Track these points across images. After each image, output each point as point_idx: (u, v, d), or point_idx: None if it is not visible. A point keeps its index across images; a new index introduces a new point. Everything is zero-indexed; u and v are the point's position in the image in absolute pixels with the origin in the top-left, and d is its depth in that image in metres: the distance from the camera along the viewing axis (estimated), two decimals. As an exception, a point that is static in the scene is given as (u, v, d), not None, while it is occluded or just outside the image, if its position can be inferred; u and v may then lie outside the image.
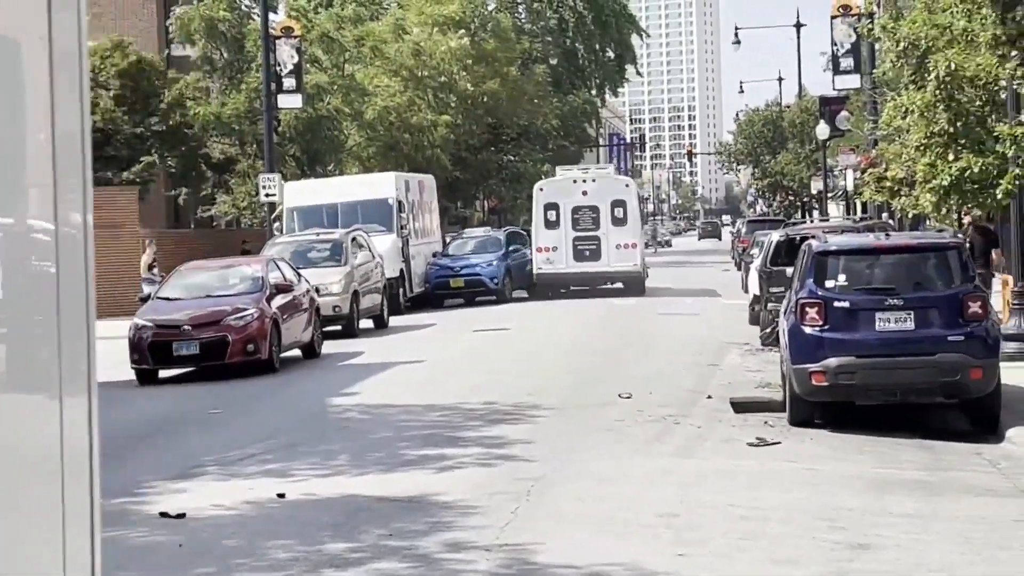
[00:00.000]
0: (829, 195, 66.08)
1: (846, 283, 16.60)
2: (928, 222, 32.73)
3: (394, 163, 51.64)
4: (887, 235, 17.74)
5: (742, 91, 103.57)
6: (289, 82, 43.41)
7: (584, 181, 43.79)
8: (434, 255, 43.22)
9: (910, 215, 31.36)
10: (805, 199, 75.59)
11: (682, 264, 68.91)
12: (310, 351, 26.63)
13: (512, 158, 71.40)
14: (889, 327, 16.18)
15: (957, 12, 24.73)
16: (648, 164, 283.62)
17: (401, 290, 39.78)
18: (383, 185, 40.84)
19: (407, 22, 57.55)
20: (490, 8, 69.42)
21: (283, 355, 25.15)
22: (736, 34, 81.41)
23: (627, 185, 45.58)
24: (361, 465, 14.59)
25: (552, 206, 43.08)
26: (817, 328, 16.42)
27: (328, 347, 27.97)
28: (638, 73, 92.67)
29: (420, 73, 53.94)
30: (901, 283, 16.49)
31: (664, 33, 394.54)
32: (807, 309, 16.57)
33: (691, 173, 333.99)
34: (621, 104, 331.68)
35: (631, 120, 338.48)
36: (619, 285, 43.58)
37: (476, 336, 30.38)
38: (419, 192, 43.63)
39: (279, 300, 24.97)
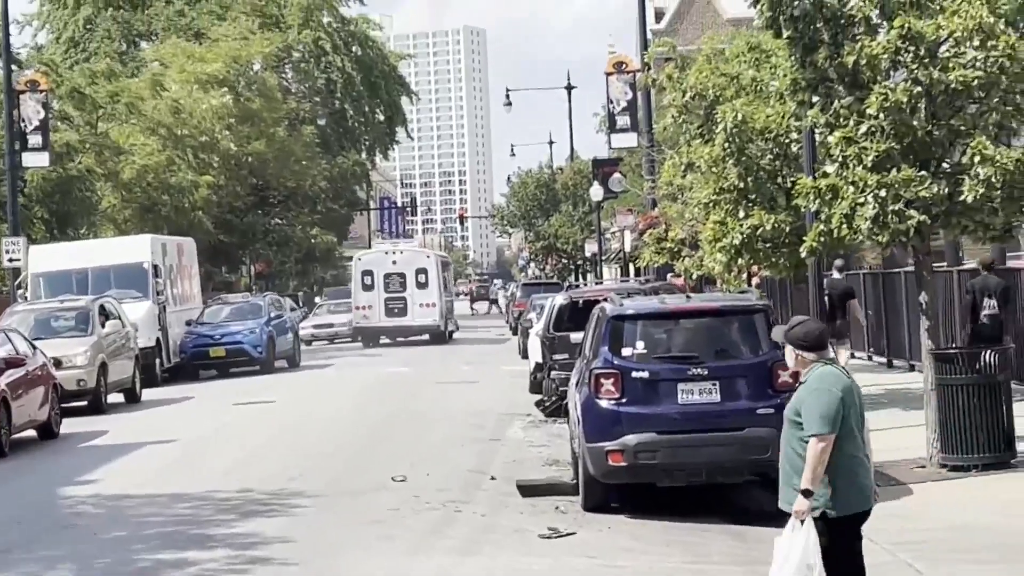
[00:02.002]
0: (604, 258, 65.31)
1: (644, 351, 14.88)
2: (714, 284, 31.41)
3: (152, 226, 49.00)
4: (688, 297, 16.14)
5: (513, 154, 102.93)
6: (35, 139, 40.46)
7: (394, 253, 55.12)
8: (188, 323, 40.61)
9: (694, 276, 29.97)
10: (579, 262, 74.69)
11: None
12: (47, 431, 23.90)
13: (280, 221, 69.26)
14: (693, 399, 14.56)
15: (745, 62, 23.60)
16: (420, 228, 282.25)
17: (157, 361, 37.25)
18: (138, 249, 38.53)
19: (167, 79, 54.89)
20: (256, 68, 67.17)
21: (15, 436, 22.48)
22: (507, 95, 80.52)
23: (428, 256, 56.69)
24: (85, 576, 12.22)
25: (368, 272, 53.17)
26: (613, 402, 14.69)
27: (71, 426, 25.32)
28: (408, 135, 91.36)
29: (179, 131, 51.38)
30: (704, 350, 14.87)
31: (434, 98, 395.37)
32: (602, 380, 14.81)
33: (463, 237, 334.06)
34: (392, 168, 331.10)
35: (403, 184, 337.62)
36: (426, 336, 52.85)
37: (237, 411, 28.05)
38: (178, 256, 41.38)
39: (9, 375, 22.26)
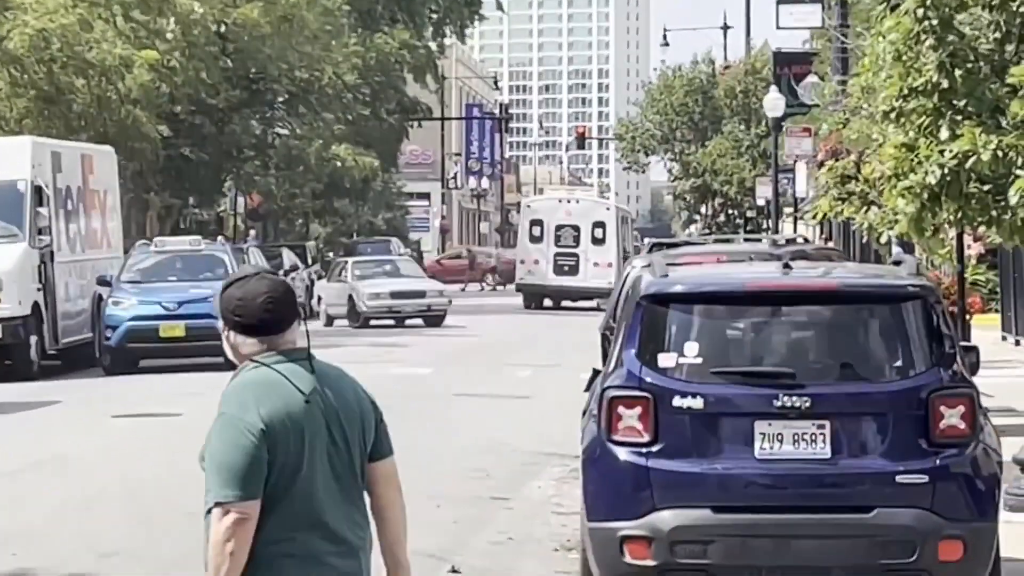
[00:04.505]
0: (792, 209, 63.47)
1: (699, 360, 13.23)
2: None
3: (63, 126, 47.68)
4: (786, 267, 13.96)
5: (666, 42, 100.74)
6: None
7: (568, 201, 70.14)
8: (103, 281, 39.08)
9: (882, 238, 28.02)
10: (749, 211, 72.88)
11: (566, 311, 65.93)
12: None
13: (283, 131, 68.06)
14: (782, 452, 13.01)
15: None
16: (536, 152, 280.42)
17: (33, 339, 35.87)
18: (12, 158, 37.43)
19: None
20: None
21: None
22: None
23: (608, 208, 70.71)
24: None
25: (537, 222, 67.18)
26: (638, 449, 13.11)
27: None
28: (500, 7, 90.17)
29: (103, -19, 49.87)
30: (807, 365, 13.39)
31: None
32: (620, 410, 13.18)
33: (600, 172, 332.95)
34: (499, 63, 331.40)
35: (513, 87, 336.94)
36: (595, 302, 60.60)
37: (106, 430, 26.59)
38: (82, 173, 40.65)
39: None
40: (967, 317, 23.72)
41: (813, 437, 12.89)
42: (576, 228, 65.94)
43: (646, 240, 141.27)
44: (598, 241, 65.29)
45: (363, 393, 7.24)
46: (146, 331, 38.36)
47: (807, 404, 12.88)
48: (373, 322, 56.14)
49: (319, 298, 59.47)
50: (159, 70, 51.45)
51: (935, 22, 20.33)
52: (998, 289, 40.62)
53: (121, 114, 49.68)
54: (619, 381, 13.27)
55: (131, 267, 40.53)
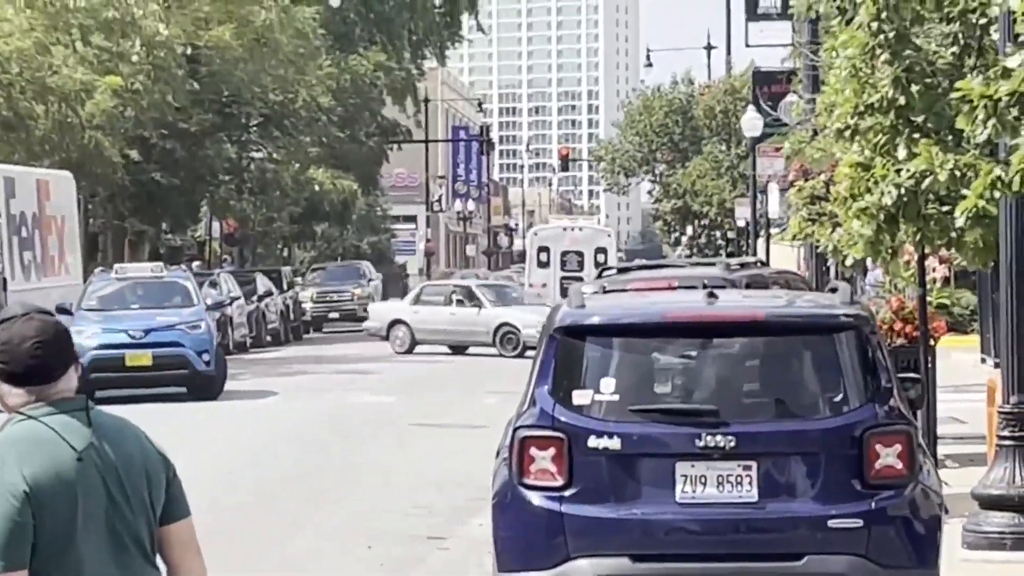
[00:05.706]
0: (774, 229, 63.19)
1: (616, 398, 12.67)
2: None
3: (25, 151, 47.17)
4: (711, 297, 13.29)
5: (650, 63, 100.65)
6: None
7: (572, 230, 78.56)
8: (61, 309, 38.33)
9: (847, 260, 27.43)
10: (730, 233, 72.77)
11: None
12: None
13: (258, 154, 67.60)
14: (705, 495, 12.48)
15: None
16: (524, 175, 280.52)
17: (-16, 370, 35.21)
18: (-40, 184, 37.52)
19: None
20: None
21: None
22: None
23: (608, 235, 79.76)
24: None
25: (544, 249, 74.37)
26: (551, 494, 12.62)
27: None
28: (480, 29, 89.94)
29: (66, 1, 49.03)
30: (732, 402, 12.80)
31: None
32: (531, 451, 12.74)
33: (591, 194, 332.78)
34: (488, 84, 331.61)
35: (503, 109, 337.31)
36: None
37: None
38: (37, 199, 40.64)
39: None
40: (931, 342, 23.03)
41: (739, 479, 12.38)
42: (580, 254, 72.55)
43: (637, 261, 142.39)
44: (600, 266, 67.44)
45: (150, 447, 6.40)
46: (111, 360, 37.38)
47: (732, 444, 12.34)
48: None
49: (393, 322, 56.64)
50: (123, 95, 50.82)
51: (891, 35, 19.81)
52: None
53: (84, 139, 49.07)
54: (531, 420, 12.77)
55: (91, 294, 39.92)
